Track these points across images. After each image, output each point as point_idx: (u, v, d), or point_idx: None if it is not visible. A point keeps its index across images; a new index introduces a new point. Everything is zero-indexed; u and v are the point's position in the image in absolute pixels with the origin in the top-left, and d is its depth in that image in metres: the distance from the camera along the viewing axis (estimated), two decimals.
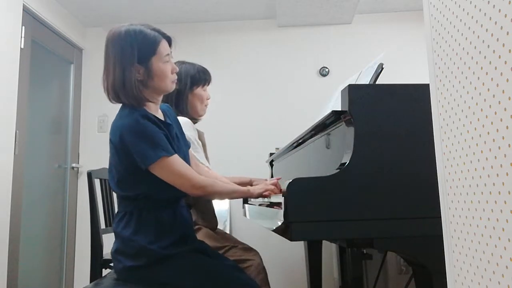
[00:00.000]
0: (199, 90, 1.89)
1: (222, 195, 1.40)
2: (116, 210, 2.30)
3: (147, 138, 1.26)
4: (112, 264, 2.06)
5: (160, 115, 1.43)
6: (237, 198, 1.46)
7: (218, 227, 2.10)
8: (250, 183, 1.82)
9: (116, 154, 1.32)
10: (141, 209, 1.33)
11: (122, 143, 1.28)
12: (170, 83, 1.39)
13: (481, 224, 0.58)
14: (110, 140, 1.33)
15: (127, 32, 1.31)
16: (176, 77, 1.41)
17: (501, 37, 0.52)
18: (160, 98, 1.44)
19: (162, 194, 1.35)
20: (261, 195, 1.47)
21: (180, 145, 1.44)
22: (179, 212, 1.39)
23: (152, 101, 1.37)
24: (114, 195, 2.34)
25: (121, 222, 1.35)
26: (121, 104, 1.38)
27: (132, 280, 1.35)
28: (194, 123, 1.90)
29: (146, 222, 1.32)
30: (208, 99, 1.98)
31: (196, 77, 1.85)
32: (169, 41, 1.39)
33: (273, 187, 1.48)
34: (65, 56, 3.20)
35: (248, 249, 1.90)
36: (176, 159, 1.29)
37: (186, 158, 1.41)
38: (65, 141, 3.20)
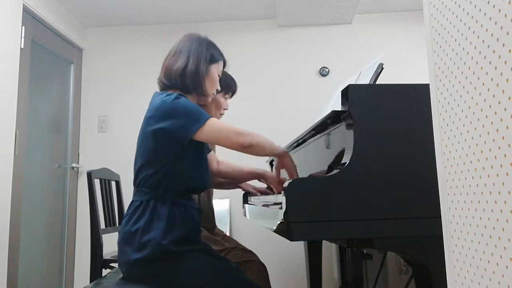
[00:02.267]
0: (219, 96, 1.89)
1: (264, 143, 1.42)
2: (116, 210, 2.31)
3: (192, 107, 1.38)
4: (112, 264, 2.07)
5: None
6: (272, 155, 1.49)
7: (219, 227, 2.11)
8: (261, 176, 1.84)
9: (152, 134, 1.39)
10: (158, 200, 1.39)
11: (166, 114, 1.37)
12: (212, 94, 1.58)
13: (481, 224, 0.58)
14: (149, 117, 1.42)
15: (204, 37, 1.60)
16: (214, 94, 1.60)
17: (501, 37, 0.52)
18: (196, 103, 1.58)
19: (183, 181, 1.42)
20: (285, 163, 1.48)
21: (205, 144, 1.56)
22: (191, 212, 1.44)
23: (201, 94, 1.53)
24: (114, 195, 2.35)
25: (135, 212, 1.39)
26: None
27: (134, 275, 1.36)
28: None
29: (159, 215, 1.37)
30: (226, 109, 1.98)
31: (222, 82, 1.83)
32: (225, 64, 1.65)
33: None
34: (65, 56, 3.21)
35: (248, 250, 1.91)
36: (217, 120, 1.40)
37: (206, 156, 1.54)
38: (65, 141, 3.21)
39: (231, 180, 1.90)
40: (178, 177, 1.41)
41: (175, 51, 1.54)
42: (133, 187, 1.49)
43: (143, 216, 1.37)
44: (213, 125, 1.37)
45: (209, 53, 1.55)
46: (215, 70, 1.57)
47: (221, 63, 1.60)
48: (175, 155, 1.39)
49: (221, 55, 1.61)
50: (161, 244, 1.32)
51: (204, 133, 1.36)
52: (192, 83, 1.50)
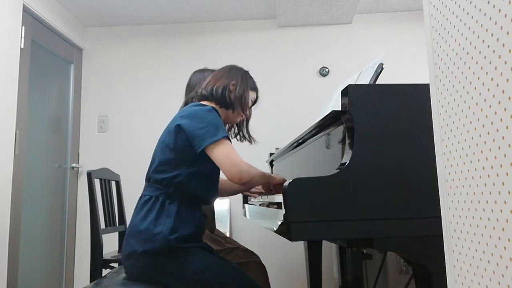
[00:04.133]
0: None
1: (257, 178, 1.47)
2: (116, 210, 2.31)
3: (217, 122, 1.44)
4: (112, 264, 2.07)
5: None
6: (263, 183, 1.55)
7: (219, 228, 2.11)
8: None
9: (175, 134, 1.45)
10: (167, 197, 1.43)
11: (191, 121, 1.43)
12: (239, 117, 1.68)
13: (481, 224, 0.58)
14: (175, 121, 1.48)
15: (246, 70, 1.75)
16: (240, 120, 1.72)
17: (501, 37, 0.52)
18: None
19: (193, 186, 1.46)
20: (278, 183, 1.55)
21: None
22: (198, 214, 1.49)
23: (234, 111, 1.64)
24: (114, 195, 2.35)
25: (144, 206, 1.43)
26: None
27: (136, 270, 1.38)
28: None
29: (168, 211, 1.41)
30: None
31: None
32: (257, 96, 1.76)
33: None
34: (65, 56, 3.20)
35: (249, 251, 1.91)
36: (231, 145, 1.43)
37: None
38: (65, 141, 3.20)
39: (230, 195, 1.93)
40: (189, 181, 1.44)
41: (219, 73, 1.68)
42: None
43: (152, 211, 1.41)
44: (223, 147, 1.40)
45: (250, 81, 1.72)
46: (249, 95, 1.70)
47: (255, 92, 1.75)
48: (190, 160, 1.44)
49: (256, 87, 1.76)
50: (168, 239, 1.35)
51: (214, 150, 1.40)
52: (234, 101, 1.62)
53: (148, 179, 1.51)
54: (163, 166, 1.46)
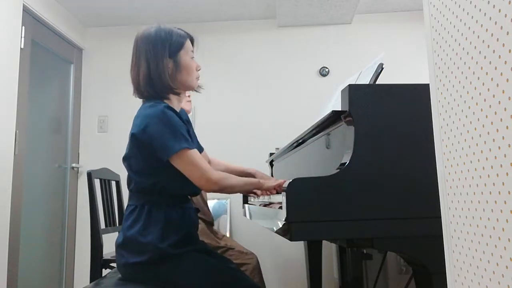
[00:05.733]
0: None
1: (234, 188, 1.37)
2: (116, 210, 2.31)
3: (171, 128, 1.32)
4: (112, 264, 2.07)
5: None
6: (248, 190, 1.42)
7: (217, 227, 2.11)
8: (253, 175, 1.74)
9: (136, 146, 1.36)
10: (153, 204, 1.37)
11: (145, 133, 1.32)
12: (195, 79, 1.49)
13: (481, 224, 0.58)
14: (132, 132, 1.37)
15: (157, 31, 1.43)
16: (199, 74, 1.52)
17: (501, 37, 0.52)
18: (184, 95, 1.52)
19: (177, 187, 1.39)
20: (270, 190, 1.43)
21: (195, 144, 1.51)
22: (188, 213, 1.43)
23: (178, 94, 1.47)
24: (114, 195, 2.35)
25: (130, 216, 1.38)
26: (141, 101, 1.46)
27: (132, 277, 1.36)
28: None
29: (155, 219, 1.35)
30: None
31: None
32: (192, 40, 1.52)
33: (283, 183, 1.46)
34: (65, 56, 3.20)
35: (245, 252, 1.91)
36: (196, 152, 1.34)
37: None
38: (65, 141, 3.20)
39: None
40: (171, 183, 1.38)
41: (134, 59, 1.44)
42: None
43: (139, 221, 1.35)
44: (183, 157, 1.30)
45: (168, 44, 1.41)
46: (185, 55, 1.45)
47: (187, 44, 1.46)
48: (162, 165, 1.34)
49: (183, 36, 1.46)
50: (158, 248, 1.31)
51: (176, 161, 1.31)
52: (162, 88, 1.40)
53: (130, 189, 1.43)
54: (136, 176, 1.39)
